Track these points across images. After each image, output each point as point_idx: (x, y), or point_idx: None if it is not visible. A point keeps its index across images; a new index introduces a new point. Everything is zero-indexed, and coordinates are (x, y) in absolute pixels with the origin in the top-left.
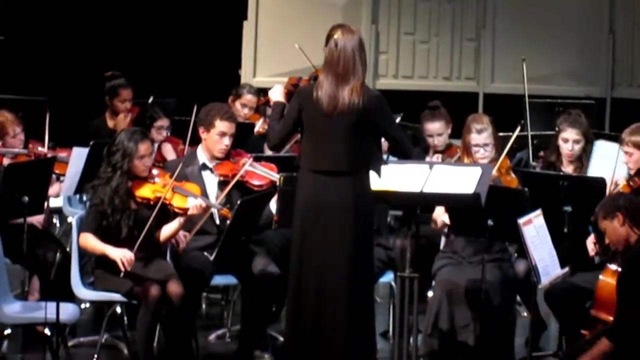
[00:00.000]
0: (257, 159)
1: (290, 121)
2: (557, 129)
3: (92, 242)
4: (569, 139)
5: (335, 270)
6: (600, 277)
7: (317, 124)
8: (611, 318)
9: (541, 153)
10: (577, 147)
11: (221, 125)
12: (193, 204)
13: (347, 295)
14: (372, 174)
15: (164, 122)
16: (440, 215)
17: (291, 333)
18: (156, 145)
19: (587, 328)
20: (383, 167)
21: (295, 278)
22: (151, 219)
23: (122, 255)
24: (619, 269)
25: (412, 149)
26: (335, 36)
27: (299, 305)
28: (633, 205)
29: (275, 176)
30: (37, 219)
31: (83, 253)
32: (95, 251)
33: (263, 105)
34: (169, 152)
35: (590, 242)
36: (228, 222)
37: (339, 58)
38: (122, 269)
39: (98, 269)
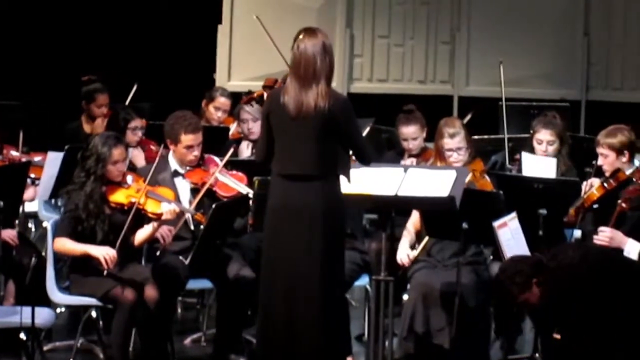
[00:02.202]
0: (232, 163)
1: (265, 130)
2: (532, 130)
3: (70, 244)
4: (543, 140)
5: (305, 275)
6: None
7: (284, 128)
8: None
9: (517, 156)
10: (551, 148)
11: (186, 138)
12: (167, 209)
13: (317, 300)
14: (343, 178)
15: (137, 122)
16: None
17: (262, 338)
18: (130, 150)
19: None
20: (357, 170)
21: (265, 282)
22: (127, 224)
23: (105, 253)
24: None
25: (373, 156)
26: (299, 40)
27: (269, 310)
28: (536, 267)
29: (243, 188)
30: (9, 235)
31: (59, 257)
32: (75, 253)
33: (249, 102)
34: (138, 158)
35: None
36: (202, 226)
37: (300, 62)
38: (105, 267)
39: (73, 273)
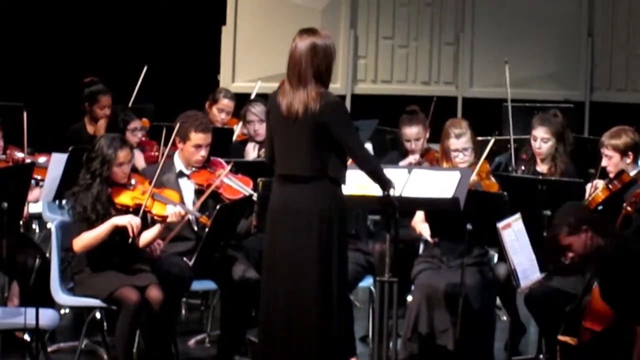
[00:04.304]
0: (237, 165)
1: (269, 130)
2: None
3: (89, 234)
4: (537, 137)
5: (303, 276)
6: (596, 289)
7: (280, 129)
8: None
9: (524, 156)
10: (545, 146)
11: (196, 137)
12: (172, 212)
13: (316, 302)
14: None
15: (136, 123)
16: (419, 223)
17: (263, 339)
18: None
19: (568, 334)
20: (360, 172)
21: (265, 283)
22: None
23: (131, 220)
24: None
25: (370, 158)
26: (293, 40)
27: (270, 311)
28: (595, 218)
29: (248, 191)
30: (33, 197)
31: (63, 258)
32: (101, 234)
33: None
34: (138, 160)
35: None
36: (207, 228)
37: (289, 62)
38: (131, 234)
39: (78, 274)
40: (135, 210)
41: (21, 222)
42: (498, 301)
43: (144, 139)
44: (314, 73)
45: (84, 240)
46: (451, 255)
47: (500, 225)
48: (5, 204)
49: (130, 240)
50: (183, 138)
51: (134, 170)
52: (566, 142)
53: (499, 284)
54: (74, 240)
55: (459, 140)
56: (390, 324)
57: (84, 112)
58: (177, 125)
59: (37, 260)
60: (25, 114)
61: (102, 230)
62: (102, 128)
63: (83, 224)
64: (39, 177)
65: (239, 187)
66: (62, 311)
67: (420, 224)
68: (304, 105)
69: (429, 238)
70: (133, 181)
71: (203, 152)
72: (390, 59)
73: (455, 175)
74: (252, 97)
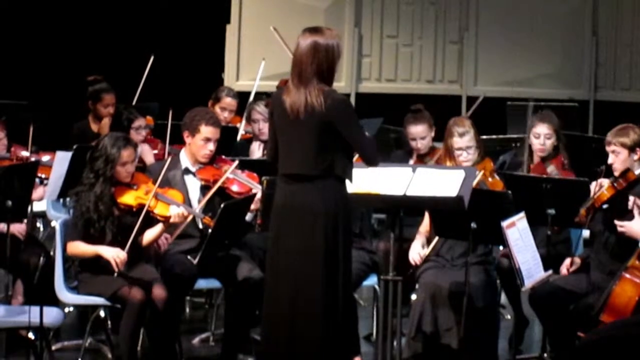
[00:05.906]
0: (242, 163)
1: (271, 130)
2: (529, 126)
3: (82, 247)
4: (540, 134)
5: (307, 275)
6: (615, 285)
7: (283, 127)
8: None
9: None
10: (549, 142)
11: (206, 130)
12: (175, 212)
13: (319, 301)
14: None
15: (141, 121)
16: (417, 238)
17: (266, 338)
18: (139, 145)
19: (587, 331)
20: (366, 170)
21: (269, 282)
22: (136, 227)
23: (115, 255)
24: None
25: (375, 156)
26: (298, 39)
27: (273, 310)
28: None
29: (256, 186)
30: (18, 229)
31: (67, 257)
32: (87, 254)
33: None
34: (147, 154)
35: (564, 267)
36: (210, 228)
37: (292, 61)
38: (115, 269)
39: (82, 272)
40: (139, 210)
41: (25, 221)
42: (502, 300)
43: (148, 137)
44: (316, 72)
45: (76, 248)
46: (455, 254)
47: (504, 224)
48: (10, 202)
49: (115, 274)
50: (192, 131)
51: (142, 167)
52: (562, 139)
53: (501, 269)
54: (68, 243)
55: (462, 138)
56: (394, 323)
57: (88, 111)
58: (187, 118)
59: (42, 258)
60: (29, 113)
61: (88, 250)
62: (106, 126)
63: (85, 225)
64: (43, 176)
65: (246, 181)
66: (66, 309)
67: (415, 241)
68: (308, 105)
69: (413, 258)
70: (137, 180)
71: (211, 147)
72: (395, 57)
73: (460, 174)
74: (258, 78)
